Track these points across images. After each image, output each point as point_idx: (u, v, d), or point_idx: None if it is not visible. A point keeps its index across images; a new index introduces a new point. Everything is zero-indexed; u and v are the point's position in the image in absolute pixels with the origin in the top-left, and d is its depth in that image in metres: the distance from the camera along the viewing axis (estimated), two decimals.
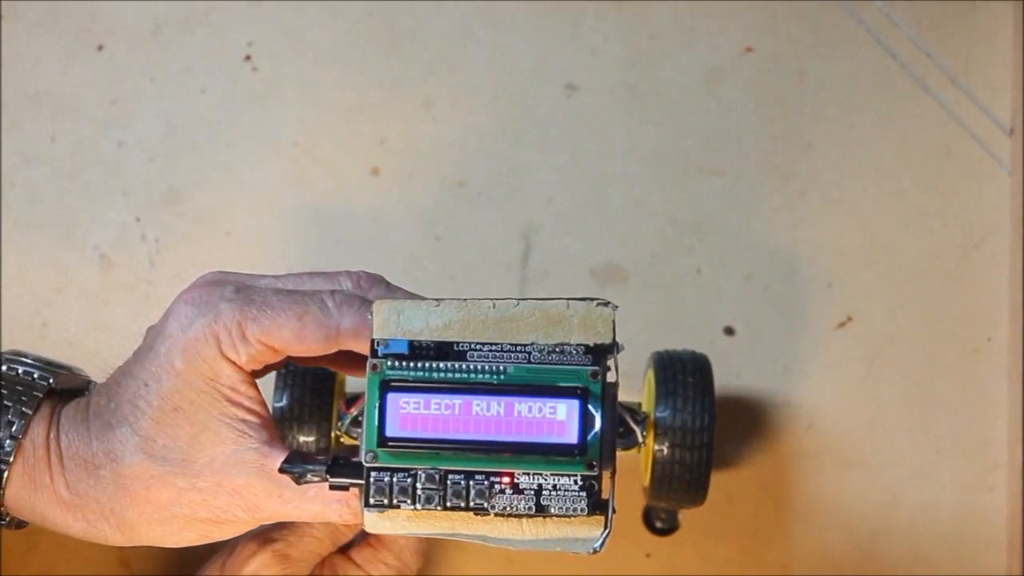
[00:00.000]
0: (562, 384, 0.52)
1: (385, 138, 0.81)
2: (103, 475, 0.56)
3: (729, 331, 0.79)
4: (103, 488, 0.56)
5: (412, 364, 0.52)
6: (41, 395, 0.57)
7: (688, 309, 0.79)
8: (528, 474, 0.52)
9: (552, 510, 0.52)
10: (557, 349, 0.52)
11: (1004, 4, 0.82)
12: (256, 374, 0.57)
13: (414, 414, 0.51)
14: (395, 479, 0.52)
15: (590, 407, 0.51)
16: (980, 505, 0.78)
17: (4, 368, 0.58)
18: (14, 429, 0.56)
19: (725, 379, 0.79)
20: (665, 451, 0.69)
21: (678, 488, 0.70)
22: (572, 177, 0.81)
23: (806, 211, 0.80)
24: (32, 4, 0.82)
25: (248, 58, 0.82)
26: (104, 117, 0.81)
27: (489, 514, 0.52)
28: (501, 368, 0.52)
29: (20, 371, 0.58)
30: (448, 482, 0.51)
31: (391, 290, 0.57)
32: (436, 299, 0.53)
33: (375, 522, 0.52)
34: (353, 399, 0.69)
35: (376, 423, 0.51)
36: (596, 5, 0.82)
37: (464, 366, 0.52)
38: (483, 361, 0.52)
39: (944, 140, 0.81)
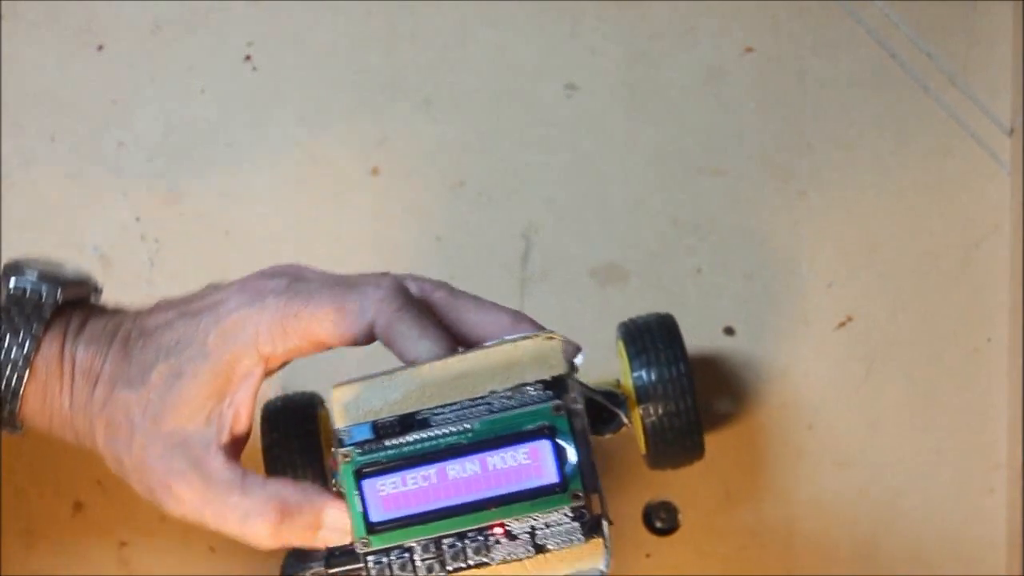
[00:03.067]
0: (528, 427, 0.52)
1: (385, 138, 0.81)
2: (97, 393, 0.58)
3: (729, 331, 0.79)
4: (92, 403, 0.58)
5: (380, 445, 0.52)
6: (49, 314, 0.58)
7: (688, 309, 0.79)
8: (519, 519, 0.52)
9: (550, 546, 0.52)
10: (516, 392, 0.52)
11: (1004, 4, 0.82)
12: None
13: (394, 493, 0.52)
14: (392, 558, 0.52)
15: (560, 441, 0.52)
16: (980, 506, 0.78)
17: (11, 286, 0.58)
18: (26, 349, 0.57)
19: (725, 379, 0.79)
20: (651, 411, 0.69)
21: (674, 443, 0.70)
22: (572, 177, 0.81)
23: (806, 211, 0.80)
24: (32, 4, 0.82)
25: (248, 58, 0.82)
26: (104, 117, 0.81)
27: (492, 565, 0.52)
28: (467, 426, 0.52)
29: (28, 289, 0.58)
30: (444, 546, 0.52)
31: (454, 295, 0.58)
32: (389, 372, 0.53)
33: None
34: None
35: (360, 510, 0.52)
36: (596, 5, 0.82)
37: (431, 433, 0.52)
38: (448, 424, 0.52)
39: (944, 140, 0.81)
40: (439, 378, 0.52)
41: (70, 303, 0.59)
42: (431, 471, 0.51)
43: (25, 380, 0.58)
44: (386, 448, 0.52)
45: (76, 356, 0.58)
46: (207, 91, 0.82)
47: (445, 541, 0.52)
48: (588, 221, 0.80)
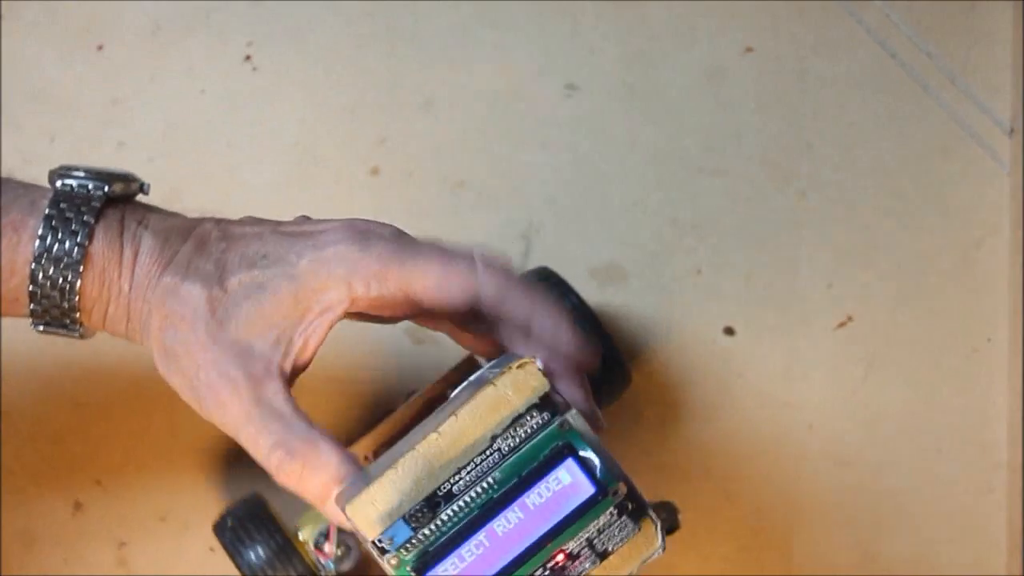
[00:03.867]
0: (546, 453, 0.52)
1: (385, 138, 0.81)
2: (164, 280, 0.57)
3: (729, 331, 0.79)
4: (156, 289, 0.57)
5: (422, 536, 0.52)
6: (99, 204, 0.58)
7: (688, 309, 0.79)
8: (574, 539, 0.52)
9: (610, 547, 0.52)
10: (516, 427, 0.52)
11: (1004, 4, 0.82)
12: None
13: (458, 574, 0.51)
14: None
15: (581, 453, 0.52)
16: (980, 505, 0.78)
17: (58, 184, 0.58)
18: (79, 238, 0.57)
19: (725, 379, 0.79)
20: None
21: (605, 380, 0.71)
22: (572, 177, 0.81)
23: (806, 211, 0.80)
24: (32, 4, 0.82)
25: (248, 58, 0.82)
26: (104, 117, 0.81)
27: None
28: (489, 480, 0.52)
29: (75, 185, 0.58)
30: None
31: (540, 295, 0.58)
32: (387, 466, 0.52)
33: None
34: (323, 536, 0.68)
35: None
36: (596, 5, 0.82)
37: (461, 503, 0.52)
38: (471, 486, 0.52)
39: (944, 140, 0.81)
40: (440, 449, 0.52)
41: (120, 199, 0.59)
42: (481, 536, 0.51)
43: (81, 271, 0.57)
44: (428, 536, 0.52)
45: (140, 243, 0.57)
46: (207, 91, 0.82)
47: None
48: (588, 221, 0.80)
